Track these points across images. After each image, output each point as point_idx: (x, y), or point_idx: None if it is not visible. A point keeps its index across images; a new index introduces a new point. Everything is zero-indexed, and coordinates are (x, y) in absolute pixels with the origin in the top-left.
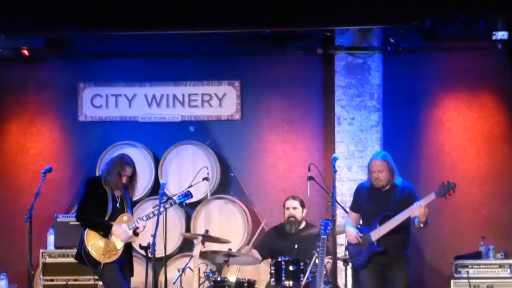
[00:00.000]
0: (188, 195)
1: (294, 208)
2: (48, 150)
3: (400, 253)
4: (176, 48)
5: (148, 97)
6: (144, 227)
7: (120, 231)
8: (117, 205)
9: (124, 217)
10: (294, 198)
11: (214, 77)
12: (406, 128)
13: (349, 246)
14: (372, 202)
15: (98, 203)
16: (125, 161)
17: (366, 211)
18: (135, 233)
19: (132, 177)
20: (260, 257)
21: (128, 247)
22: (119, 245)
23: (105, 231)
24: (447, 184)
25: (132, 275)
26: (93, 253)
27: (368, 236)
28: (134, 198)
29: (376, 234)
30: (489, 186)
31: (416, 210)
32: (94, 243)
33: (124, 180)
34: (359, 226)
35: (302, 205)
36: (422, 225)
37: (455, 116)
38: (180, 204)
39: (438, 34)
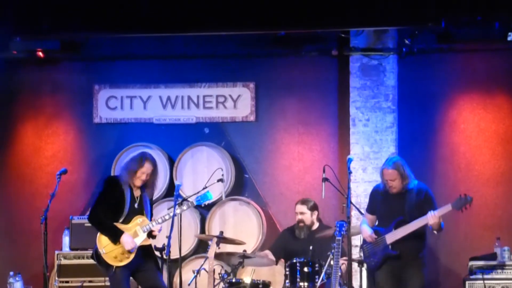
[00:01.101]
0: (207, 196)
1: (302, 213)
2: (63, 152)
3: (415, 256)
4: (191, 50)
5: (163, 98)
6: (160, 230)
7: (129, 240)
8: (135, 205)
9: (139, 219)
10: (303, 202)
11: (229, 78)
12: (421, 129)
13: (364, 246)
14: (387, 205)
15: (115, 203)
16: (145, 156)
17: (381, 214)
18: (151, 236)
19: (152, 175)
20: (274, 258)
21: (148, 249)
22: (133, 249)
23: (114, 239)
24: (464, 198)
25: (160, 271)
26: (105, 256)
27: (383, 238)
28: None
29: (391, 237)
30: (504, 187)
31: (431, 220)
32: (106, 245)
33: (142, 177)
34: (375, 226)
35: (312, 208)
36: (436, 232)
37: (470, 117)
38: (199, 205)
39: (453, 36)
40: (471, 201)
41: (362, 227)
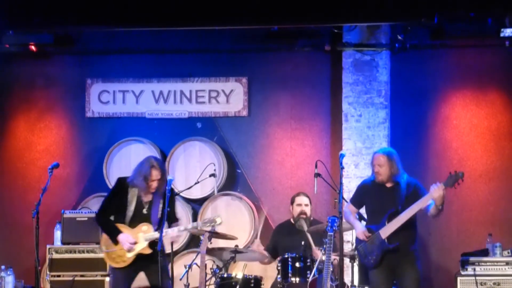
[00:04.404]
0: (215, 221)
1: (306, 205)
2: (56, 146)
3: (410, 249)
4: (183, 45)
5: (156, 93)
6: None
7: (125, 240)
8: (143, 211)
9: (144, 226)
10: (305, 195)
11: (222, 73)
12: (413, 125)
13: (358, 247)
14: (378, 199)
15: (119, 205)
16: (151, 164)
17: (372, 208)
18: (155, 245)
19: (162, 180)
20: (267, 254)
21: (152, 257)
22: (130, 254)
23: (112, 238)
24: (455, 174)
25: (167, 277)
26: (104, 255)
27: (378, 234)
28: None
29: (386, 231)
30: (496, 183)
31: (435, 192)
32: (108, 244)
33: (152, 185)
34: (366, 225)
35: (310, 202)
36: (440, 207)
37: (462, 113)
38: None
39: (446, 31)
40: (463, 175)
41: (355, 223)
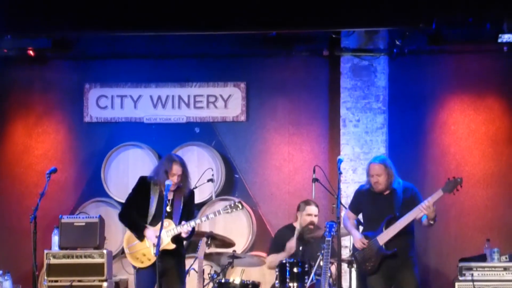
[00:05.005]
0: (237, 206)
1: (316, 215)
2: (53, 151)
3: (407, 254)
4: (182, 49)
5: (154, 98)
6: (188, 232)
7: (151, 234)
8: (167, 208)
9: (165, 222)
10: (315, 204)
11: (220, 78)
12: (411, 130)
13: (355, 254)
14: (375, 206)
15: (141, 203)
16: (172, 159)
17: (369, 216)
18: (178, 240)
19: (184, 176)
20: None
21: (176, 255)
22: (154, 251)
23: (138, 234)
24: (453, 180)
25: (182, 283)
26: (128, 256)
27: (375, 241)
28: None
29: (384, 237)
30: (494, 189)
31: (424, 209)
32: (130, 246)
33: (173, 179)
34: (363, 232)
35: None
36: (432, 222)
37: (460, 119)
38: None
39: (444, 37)
40: (461, 181)
41: (351, 231)
